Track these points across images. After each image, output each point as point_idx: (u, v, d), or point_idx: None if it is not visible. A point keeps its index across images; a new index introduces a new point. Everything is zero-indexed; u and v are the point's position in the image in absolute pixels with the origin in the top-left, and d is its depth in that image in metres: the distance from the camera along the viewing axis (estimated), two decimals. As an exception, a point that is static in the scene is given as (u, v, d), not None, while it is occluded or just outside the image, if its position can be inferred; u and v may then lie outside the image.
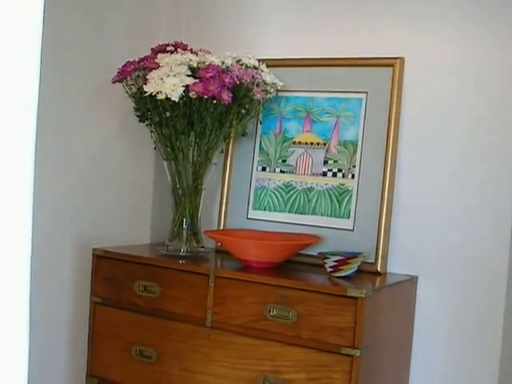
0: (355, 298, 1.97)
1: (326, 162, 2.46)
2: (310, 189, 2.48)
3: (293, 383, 2.06)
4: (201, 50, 2.44)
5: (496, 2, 2.24)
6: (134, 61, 2.38)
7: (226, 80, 2.26)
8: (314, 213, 2.47)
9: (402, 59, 2.36)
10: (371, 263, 2.32)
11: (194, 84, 2.24)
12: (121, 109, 2.60)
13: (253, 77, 2.36)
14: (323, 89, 2.48)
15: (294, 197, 2.51)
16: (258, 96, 2.36)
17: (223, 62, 2.34)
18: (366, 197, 2.37)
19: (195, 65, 2.31)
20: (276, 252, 2.28)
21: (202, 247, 2.48)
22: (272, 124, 2.58)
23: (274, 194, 2.55)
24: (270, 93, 2.46)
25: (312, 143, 2.49)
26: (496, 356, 2.24)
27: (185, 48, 2.43)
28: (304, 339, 2.05)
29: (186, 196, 2.44)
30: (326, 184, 2.45)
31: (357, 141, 2.41)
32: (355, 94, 2.43)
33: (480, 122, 2.27)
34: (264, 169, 2.59)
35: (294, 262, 2.38)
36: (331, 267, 2.19)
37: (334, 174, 2.44)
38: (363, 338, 1.98)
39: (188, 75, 2.27)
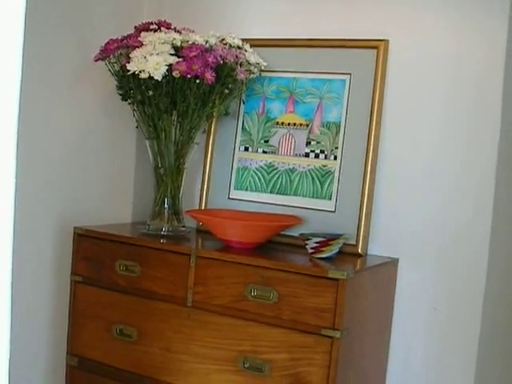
0: (336, 279, 1.97)
1: (308, 143, 2.46)
2: (292, 170, 2.48)
3: (273, 363, 2.07)
4: (184, 29, 2.42)
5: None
6: (117, 39, 2.36)
7: (210, 59, 2.25)
8: (295, 194, 2.46)
9: (386, 41, 2.35)
10: (352, 245, 2.32)
11: (178, 63, 2.23)
12: (103, 87, 2.58)
13: (236, 56, 2.35)
14: (307, 70, 2.47)
15: (276, 177, 2.51)
16: (242, 76, 2.35)
17: (207, 41, 2.33)
18: (348, 178, 2.37)
19: (179, 44, 2.29)
20: (257, 233, 2.28)
21: (184, 227, 2.48)
22: (255, 104, 2.57)
23: (256, 174, 2.55)
24: (253, 73, 2.44)
25: (295, 124, 2.49)
26: (475, 338, 2.25)
27: (168, 27, 2.42)
28: (285, 320, 2.05)
29: (167, 175, 2.44)
30: (309, 165, 2.45)
31: (340, 122, 2.40)
32: (339, 75, 2.42)
33: (463, 104, 2.27)
34: (246, 149, 2.58)
35: (275, 243, 2.38)
36: (312, 248, 2.19)
37: (317, 155, 2.44)
38: (343, 320, 1.98)
39: (171, 54, 2.25)
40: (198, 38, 2.31)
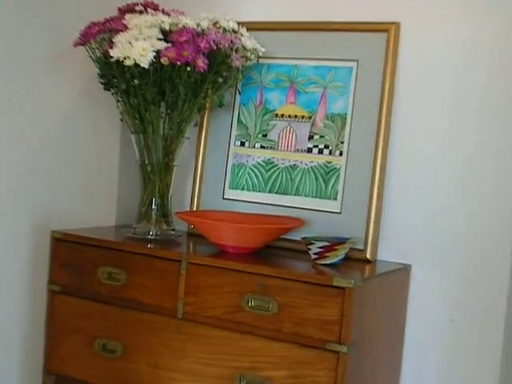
0: (342, 288, 1.91)
1: (311, 138, 2.41)
2: (294, 167, 2.43)
3: (273, 381, 2.01)
4: (173, 11, 2.37)
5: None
6: (99, 22, 2.32)
7: (202, 45, 2.20)
8: (297, 193, 2.42)
9: (397, 24, 2.30)
10: (360, 250, 2.28)
11: (166, 49, 2.18)
12: (83, 75, 2.55)
13: (231, 41, 2.31)
14: (309, 56, 2.43)
15: (275, 175, 2.46)
16: (237, 63, 2.31)
17: (198, 25, 2.28)
18: (355, 176, 2.33)
19: (167, 27, 2.25)
20: (255, 236, 2.22)
21: (173, 230, 2.44)
22: (252, 94, 2.53)
23: (254, 171, 2.50)
24: (250, 59, 2.40)
25: (296, 116, 2.44)
26: (497, 353, 2.19)
27: (156, 8, 2.38)
28: (285, 333, 1.99)
29: (155, 173, 2.39)
30: (311, 161, 2.40)
31: (346, 114, 2.36)
32: (345, 62, 2.38)
33: (482, 93, 2.21)
34: (242, 144, 2.53)
35: (274, 248, 2.33)
36: (316, 254, 2.13)
37: (320, 151, 2.38)
38: (350, 333, 1.92)
39: (159, 39, 2.21)
40: (189, 21, 2.27)
